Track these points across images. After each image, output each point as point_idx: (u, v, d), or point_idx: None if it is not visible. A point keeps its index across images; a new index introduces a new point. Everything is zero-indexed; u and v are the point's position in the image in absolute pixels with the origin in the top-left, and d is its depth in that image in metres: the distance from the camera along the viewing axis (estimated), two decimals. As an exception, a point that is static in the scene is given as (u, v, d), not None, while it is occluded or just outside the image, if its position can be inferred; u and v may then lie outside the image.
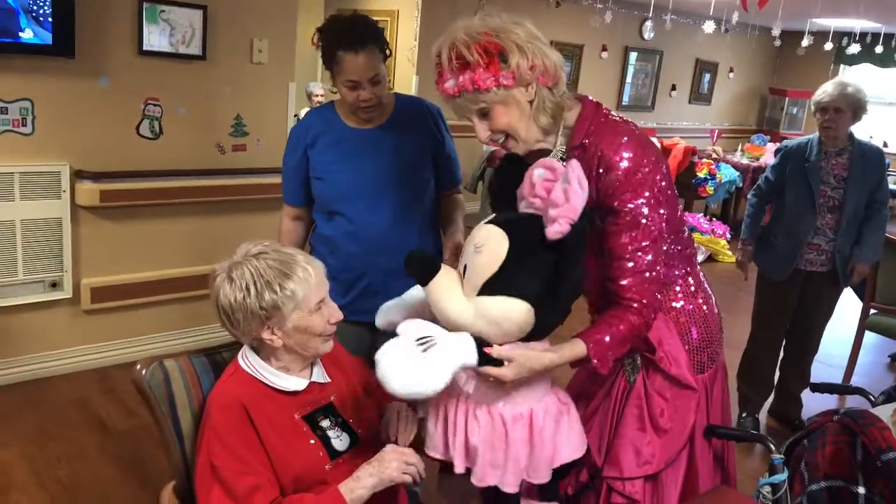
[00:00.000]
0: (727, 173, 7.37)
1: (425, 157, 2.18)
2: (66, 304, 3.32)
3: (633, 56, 8.79)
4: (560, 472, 1.56)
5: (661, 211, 1.50)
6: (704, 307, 1.69)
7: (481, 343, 1.41)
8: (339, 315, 1.55)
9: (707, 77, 9.88)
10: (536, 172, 1.46)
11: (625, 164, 1.47)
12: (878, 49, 7.88)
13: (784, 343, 3.47)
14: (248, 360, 1.54)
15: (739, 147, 8.48)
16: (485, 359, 1.40)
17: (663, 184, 1.52)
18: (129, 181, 3.33)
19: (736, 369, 3.51)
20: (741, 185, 7.48)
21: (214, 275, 1.50)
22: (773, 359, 3.47)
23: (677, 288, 1.67)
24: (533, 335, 1.45)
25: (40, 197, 3.12)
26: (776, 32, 6.31)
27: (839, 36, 8.59)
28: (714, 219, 7.33)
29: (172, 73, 3.39)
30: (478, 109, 1.48)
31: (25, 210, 3.10)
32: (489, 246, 1.41)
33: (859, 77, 9.86)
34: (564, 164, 1.44)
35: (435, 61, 1.50)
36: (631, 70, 8.86)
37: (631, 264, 1.48)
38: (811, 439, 1.80)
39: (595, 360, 1.47)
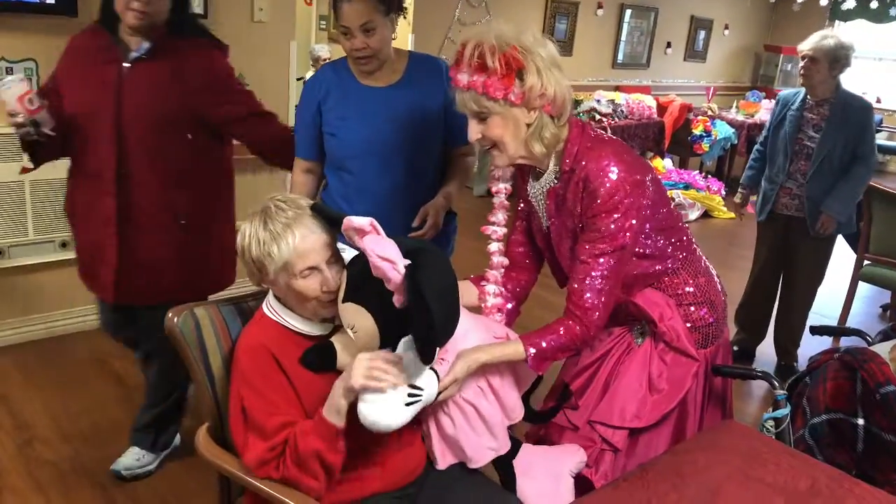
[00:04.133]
0: (722, 130, 7.41)
1: (437, 116, 2.18)
2: (76, 263, 3.35)
3: (628, 13, 8.73)
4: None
5: (634, 222, 1.55)
6: (707, 288, 1.76)
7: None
8: (335, 285, 1.51)
9: (702, 34, 9.82)
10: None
11: (605, 188, 1.53)
12: (874, 4, 7.89)
13: (778, 297, 3.62)
14: (272, 307, 1.59)
15: (734, 104, 8.50)
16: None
17: (645, 202, 1.57)
18: (134, 141, 3.34)
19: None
20: (736, 141, 7.53)
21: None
22: (760, 293, 3.65)
23: (681, 275, 1.74)
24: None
25: (48, 157, 3.14)
26: (772, -13, 6.30)
27: (834, -9, 8.56)
28: (709, 175, 7.40)
29: (174, 32, 3.38)
30: (478, 111, 1.54)
31: (34, 170, 3.11)
32: (359, 324, 1.44)
33: (853, 32, 9.85)
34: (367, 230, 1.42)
35: (458, 49, 1.54)
36: (626, 28, 8.80)
37: (586, 266, 1.56)
38: (813, 377, 1.89)
39: (531, 362, 1.56)
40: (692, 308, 1.73)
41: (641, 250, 1.66)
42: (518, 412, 1.66)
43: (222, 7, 3.48)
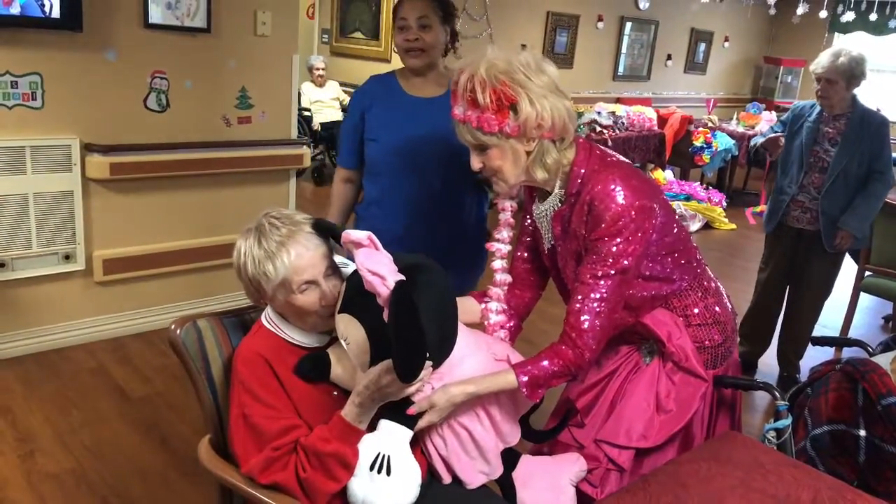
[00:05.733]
0: (723, 142, 7.43)
1: None
2: (79, 275, 3.38)
3: (628, 26, 8.78)
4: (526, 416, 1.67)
5: (637, 247, 1.52)
6: (717, 309, 1.74)
7: (401, 408, 1.49)
8: (333, 298, 1.53)
9: (702, 46, 9.88)
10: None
11: (610, 212, 1.51)
12: (872, 17, 7.92)
13: (784, 308, 3.62)
14: (271, 318, 1.60)
15: (735, 116, 8.54)
16: (413, 420, 1.50)
17: (651, 227, 1.54)
18: (137, 154, 3.36)
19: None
20: (737, 153, 7.54)
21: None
22: (765, 305, 3.63)
23: (689, 296, 1.72)
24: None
25: (52, 170, 3.16)
26: (771, 0, 6.34)
27: (833, 4, 8.60)
28: (710, 187, 7.42)
29: (178, 47, 3.41)
30: (475, 143, 1.54)
31: (38, 183, 3.14)
32: (351, 336, 1.45)
33: (853, 45, 9.88)
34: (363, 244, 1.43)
35: (453, 80, 1.54)
36: (626, 40, 8.86)
37: (586, 288, 1.53)
38: (814, 387, 1.89)
39: (525, 391, 1.53)
40: (701, 328, 1.72)
41: (649, 273, 1.64)
42: (514, 437, 1.64)
43: (225, 21, 3.51)
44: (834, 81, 3.13)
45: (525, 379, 1.52)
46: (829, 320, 4.18)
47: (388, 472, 1.44)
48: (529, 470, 1.67)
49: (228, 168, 3.68)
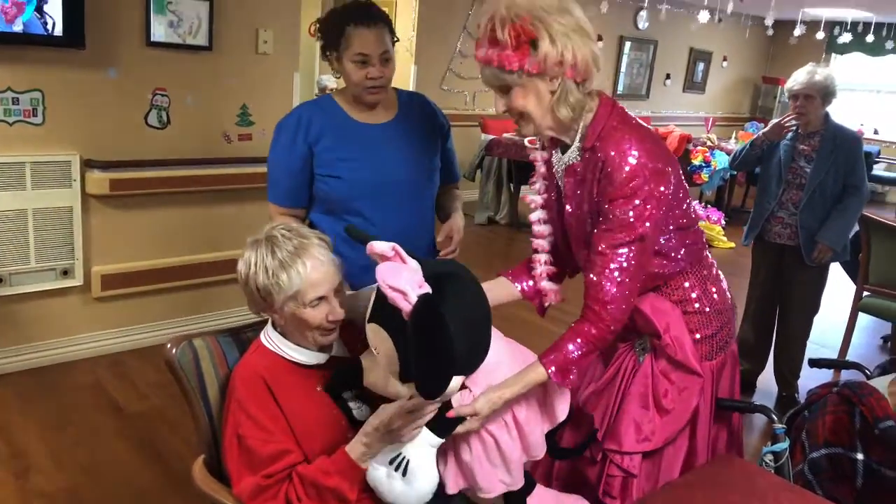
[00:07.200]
0: (722, 160, 7.45)
1: (436, 151, 2.17)
2: (77, 291, 3.37)
3: (627, 45, 8.85)
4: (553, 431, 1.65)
5: (652, 212, 1.49)
6: (716, 296, 1.72)
7: (444, 410, 1.46)
8: (340, 315, 1.55)
9: (701, 66, 9.95)
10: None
11: (623, 172, 1.48)
12: (869, 38, 7.98)
13: (776, 327, 3.64)
14: (270, 337, 1.61)
15: (734, 135, 8.57)
16: (451, 424, 1.47)
17: (663, 189, 1.50)
18: (137, 170, 3.37)
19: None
20: (735, 172, 7.57)
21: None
22: (758, 323, 3.65)
23: (689, 279, 1.70)
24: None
25: (51, 186, 3.17)
26: (769, 22, 6.41)
27: (831, 25, 8.67)
28: (709, 206, 7.44)
29: (179, 64, 3.43)
30: (498, 84, 1.52)
31: (37, 199, 3.14)
32: (380, 347, 1.43)
33: (850, 65, 9.96)
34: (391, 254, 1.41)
35: (478, 24, 1.53)
36: (625, 59, 8.92)
37: (604, 258, 1.50)
38: (812, 410, 1.88)
39: (556, 381, 1.51)
40: (697, 316, 1.70)
41: (657, 247, 1.61)
42: (540, 450, 1.61)
43: (227, 39, 3.54)
44: (812, 97, 3.22)
45: (553, 369, 1.50)
46: (828, 340, 4.17)
47: (404, 474, 1.42)
48: (541, 502, 1.66)
49: (228, 185, 3.68)
